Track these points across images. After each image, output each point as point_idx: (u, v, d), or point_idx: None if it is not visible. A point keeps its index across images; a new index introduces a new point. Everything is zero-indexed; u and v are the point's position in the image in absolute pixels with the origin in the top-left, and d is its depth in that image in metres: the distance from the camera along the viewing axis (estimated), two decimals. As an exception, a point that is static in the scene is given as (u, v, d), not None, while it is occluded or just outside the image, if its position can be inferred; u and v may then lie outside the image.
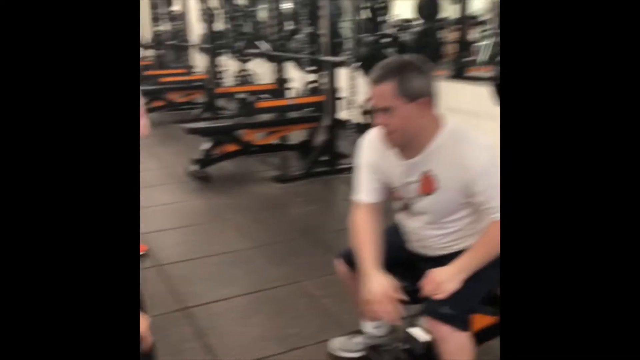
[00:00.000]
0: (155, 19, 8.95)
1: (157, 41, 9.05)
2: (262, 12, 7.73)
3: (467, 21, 6.03)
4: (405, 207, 1.77)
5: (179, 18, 8.51)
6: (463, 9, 5.55)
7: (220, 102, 7.27)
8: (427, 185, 1.64)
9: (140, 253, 2.12)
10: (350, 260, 1.90)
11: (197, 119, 6.67)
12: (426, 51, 5.41)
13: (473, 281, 1.64)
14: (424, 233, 1.78)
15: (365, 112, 4.68)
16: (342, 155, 4.88)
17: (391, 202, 1.85)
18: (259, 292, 2.69)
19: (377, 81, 1.55)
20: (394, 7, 6.07)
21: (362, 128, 4.77)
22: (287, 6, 6.09)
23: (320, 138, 4.87)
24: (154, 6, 8.90)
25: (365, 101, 4.67)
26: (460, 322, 1.60)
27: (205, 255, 3.17)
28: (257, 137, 4.96)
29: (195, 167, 4.67)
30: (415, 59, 1.61)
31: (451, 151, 1.57)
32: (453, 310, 1.59)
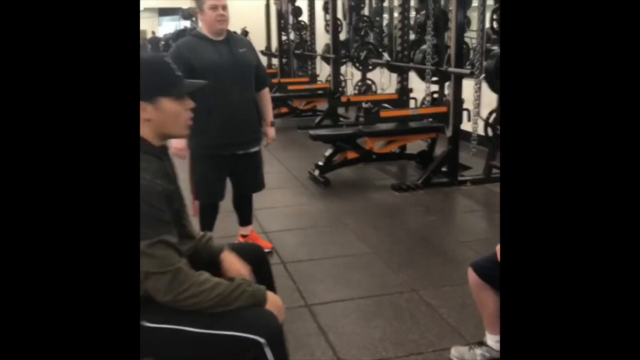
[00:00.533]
0: (284, 29, 9.39)
1: (284, 50, 9.49)
2: (386, 23, 7.85)
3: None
4: None
5: (306, 28, 8.85)
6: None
7: (340, 110, 7.49)
8: None
9: (265, 250, 2.30)
10: (481, 271, 1.94)
11: (319, 126, 6.93)
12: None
13: None
14: None
15: (489, 125, 4.60)
16: (463, 167, 4.83)
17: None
18: (379, 297, 2.77)
19: None
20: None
21: (485, 140, 4.69)
22: (412, 16, 6.16)
23: (440, 149, 4.85)
24: (281, 16, 9.34)
25: (490, 113, 4.59)
26: None
27: (326, 257, 3.31)
28: (377, 146, 5.05)
29: (316, 172, 4.87)
30: None
31: None
32: None
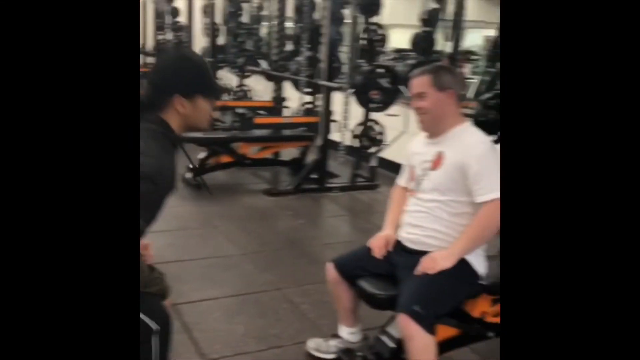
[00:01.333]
0: (160, 28, 9.17)
1: (159, 50, 9.27)
2: (265, 31, 8.00)
3: (459, 57, 6.32)
4: (416, 186, 2.08)
5: (183, 29, 8.74)
6: (456, 45, 5.83)
7: (216, 115, 7.49)
8: (437, 162, 1.99)
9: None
10: (341, 267, 2.14)
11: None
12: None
13: (443, 291, 1.88)
14: (421, 207, 2.03)
15: (356, 136, 4.91)
16: (331, 175, 5.10)
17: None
18: (244, 295, 2.87)
19: (416, 75, 2.01)
20: (391, 39, 6.36)
21: (351, 150, 4.99)
22: (289, 26, 6.37)
23: (311, 157, 5.09)
24: (159, 15, 9.13)
25: (356, 126, 4.91)
26: (427, 323, 1.82)
27: (194, 258, 3.35)
28: (251, 151, 5.17)
29: (189, 175, 4.86)
30: (448, 66, 2.16)
31: (460, 139, 1.97)
32: (423, 311, 1.81)
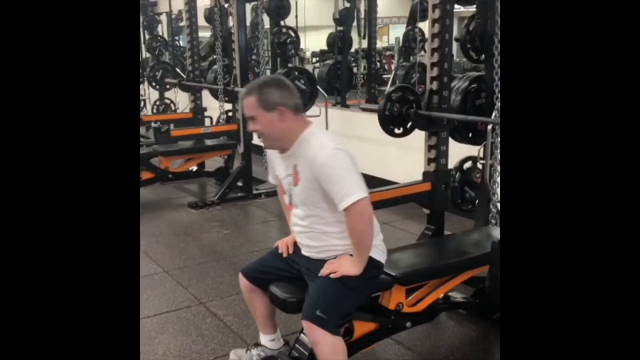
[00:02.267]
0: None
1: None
2: (182, 42, 7.87)
3: (375, 54, 6.44)
4: (290, 200, 2.04)
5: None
6: (370, 43, 5.94)
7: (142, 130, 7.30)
8: (295, 178, 1.94)
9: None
10: (251, 275, 2.12)
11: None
12: (337, 82, 5.76)
13: (345, 291, 1.88)
14: (301, 223, 2.02)
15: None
16: (257, 181, 5.06)
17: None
18: (165, 314, 2.79)
19: (244, 96, 1.90)
20: (306, 41, 6.40)
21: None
22: (204, 36, 6.28)
23: (235, 165, 5.03)
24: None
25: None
26: (332, 326, 1.82)
27: (115, 281, 3.22)
28: (173, 165, 5.05)
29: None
30: (276, 77, 2.05)
31: (306, 148, 1.88)
32: (326, 315, 1.80)
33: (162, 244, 3.83)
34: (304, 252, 2.06)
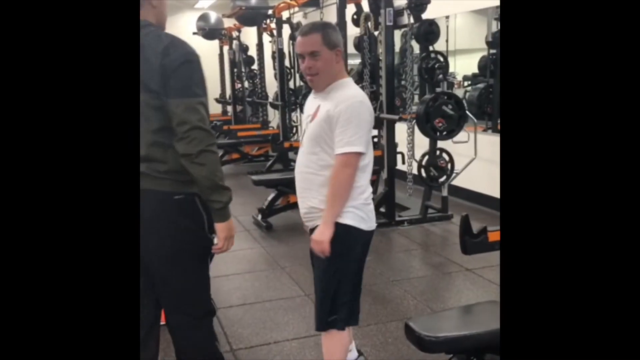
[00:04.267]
0: (237, 77, 9.60)
1: (237, 97, 9.68)
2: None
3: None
4: (300, 139, 2.10)
5: (257, 76, 9.07)
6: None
7: (293, 155, 7.64)
8: (315, 115, 1.98)
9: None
10: None
11: (269, 171, 7.04)
12: (488, 106, 5.51)
13: (339, 280, 2.02)
14: (302, 161, 2.04)
15: (423, 166, 4.79)
16: (400, 207, 4.98)
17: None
18: (304, 338, 2.82)
19: (306, 33, 1.95)
20: (455, 64, 6.22)
21: (419, 180, 4.86)
22: (353, 64, 6.41)
23: (379, 190, 5.01)
24: (234, 65, 9.55)
25: (422, 156, 4.79)
26: (343, 323, 2.06)
27: (258, 301, 3.35)
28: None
29: (259, 217, 4.94)
30: (331, 23, 2.11)
31: (336, 93, 1.95)
32: (338, 315, 2.03)
33: (305, 267, 3.89)
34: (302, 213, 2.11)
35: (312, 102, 2.05)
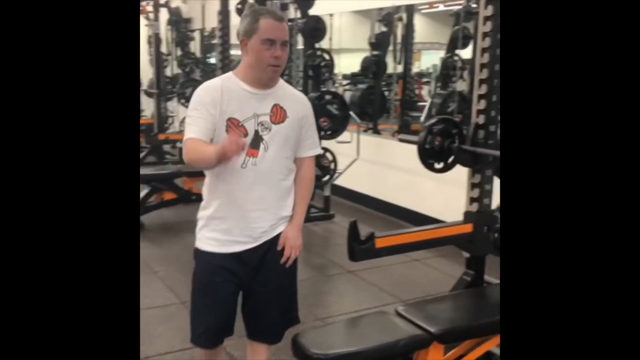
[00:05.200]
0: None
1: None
2: (213, 60, 7.81)
3: (411, 80, 6.25)
4: (254, 142, 1.75)
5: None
6: (405, 69, 5.75)
7: (167, 148, 7.21)
8: (280, 115, 1.80)
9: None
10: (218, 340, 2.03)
11: (141, 165, 6.56)
12: (370, 107, 5.58)
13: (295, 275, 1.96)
14: (265, 168, 1.77)
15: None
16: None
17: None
18: (178, 352, 2.60)
19: (281, 19, 1.75)
20: (340, 63, 6.24)
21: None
22: (235, 54, 6.17)
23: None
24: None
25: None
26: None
27: (128, 310, 3.04)
28: (198, 186, 4.89)
29: (130, 215, 4.56)
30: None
31: (285, 89, 1.85)
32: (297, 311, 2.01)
33: (180, 272, 3.63)
34: (257, 229, 1.81)
35: (254, 99, 1.76)
